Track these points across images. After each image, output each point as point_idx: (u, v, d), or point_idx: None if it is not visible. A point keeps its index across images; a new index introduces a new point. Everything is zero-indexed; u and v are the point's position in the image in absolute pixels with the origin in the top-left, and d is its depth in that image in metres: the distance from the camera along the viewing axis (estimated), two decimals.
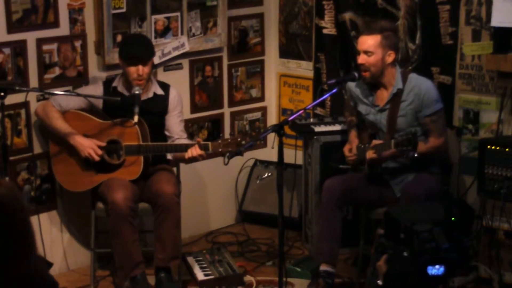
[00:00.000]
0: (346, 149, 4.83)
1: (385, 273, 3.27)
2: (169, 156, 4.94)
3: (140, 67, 4.67)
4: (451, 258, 3.29)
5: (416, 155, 4.32)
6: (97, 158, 4.69)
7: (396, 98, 4.62)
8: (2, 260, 2.48)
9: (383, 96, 4.68)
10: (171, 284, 4.68)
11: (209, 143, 4.55)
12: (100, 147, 4.70)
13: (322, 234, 4.73)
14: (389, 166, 4.68)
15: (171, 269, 4.69)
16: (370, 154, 4.57)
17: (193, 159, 4.61)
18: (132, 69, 4.69)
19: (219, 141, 4.52)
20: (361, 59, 4.59)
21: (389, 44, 4.57)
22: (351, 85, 4.80)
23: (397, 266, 3.27)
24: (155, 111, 4.81)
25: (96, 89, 4.85)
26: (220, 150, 4.51)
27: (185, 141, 4.82)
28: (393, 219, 3.49)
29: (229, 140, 4.50)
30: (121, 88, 4.81)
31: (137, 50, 4.72)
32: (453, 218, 4.28)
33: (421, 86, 4.61)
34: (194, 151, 4.55)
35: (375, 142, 4.60)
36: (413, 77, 4.65)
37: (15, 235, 2.50)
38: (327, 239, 4.68)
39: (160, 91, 4.86)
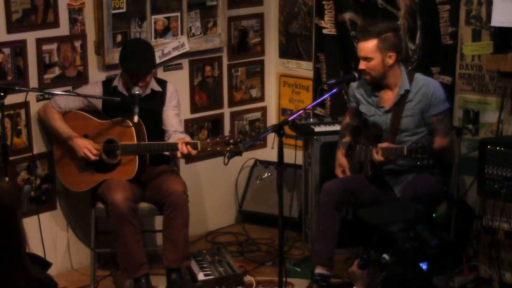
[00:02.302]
0: (339, 172, 4.81)
1: (384, 278, 3.27)
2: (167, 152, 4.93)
3: (140, 83, 4.70)
4: (437, 254, 3.30)
5: (431, 162, 4.29)
6: (92, 158, 4.69)
7: (403, 99, 4.60)
8: None
9: (389, 97, 4.65)
10: (185, 283, 4.68)
11: (198, 142, 4.55)
12: (98, 146, 4.71)
13: (319, 236, 4.73)
14: (389, 167, 4.68)
15: (181, 270, 4.69)
16: (378, 157, 4.48)
17: (186, 156, 4.59)
18: (131, 81, 4.70)
19: (208, 140, 4.52)
20: (361, 65, 4.57)
21: (387, 46, 4.53)
22: (354, 85, 4.78)
23: (397, 270, 3.27)
24: (153, 107, 4.82)
25: (95, 89, 4.85)
26: (209, 149, 4.51)
27: (182, 135, 4.80)
28: (366, 223, 3.49)
29: (217, 139, 4.50)
30: (121, 88, 4.81)
31: (136, 67, 4.70)
32: (434, 215, 4.30)
33: (429, 85, 4.59)
34: (185, 148, 4.53)
35: (381, 145, 4.53)
36: (420, 77, 4.63)
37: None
38: (324, 242, 4.67)
39: (157, 88, 4.87)
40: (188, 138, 4.63)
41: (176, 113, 4.88)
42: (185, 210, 4.67)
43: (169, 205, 4.64)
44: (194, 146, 4.52)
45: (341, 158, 4.84)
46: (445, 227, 4.71)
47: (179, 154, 4.56)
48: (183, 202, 4.65)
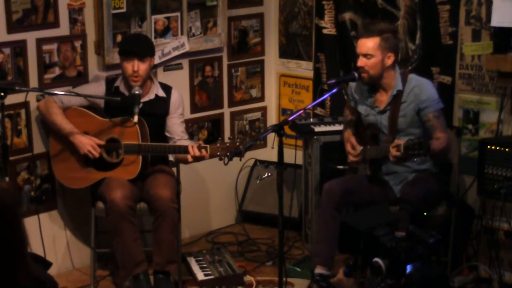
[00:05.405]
0: (348, 147, 4.78)
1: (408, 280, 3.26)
2: (171, 158, 4.94)
3: (136, 62, 4.65)
4: (427, 253, 3.29)
5: (427, 157, 4.28)
6: (96, 155, 4.69)
7: (397, 99, 4.61)
8: None
9: (383, 98, 4.67)
10: (168, 285, 4.68)
11: (208, 146, 4.54)
12: (99, 145, 4.71)
13: (319, 236, 4.74)
14: (389, 166, 4.68)
15: (170, 272, 4.69)
16: (394, 152, 4.35)
17: (196, 159, 4.60)
18: (128, 65, 4.67)
19: (218, 145, 4.52)
20: (360, 62, 4.58)
21: (388, 47, 4.56)
22: (352, 85, 4.80)
23: (424, 271, 3.26)
24: (156, 113, 4.80)
25: (98, 88, 4.85)
26: (218, 153, 4.50)
27: (186, 142, 4.81)
28: (352, 228, 3.47)
29: (227, 144, 4.49)
30: (122, 88, 4.81)
31: (133, 45, 4.74)
32: (425, 213, 4.30)
33: (421, 86, 4.60)
34: (196, 151, 4.54)
35: (399, 141, 4.48)
36: (413, 78, 4.65)
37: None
38: (325, 242, 4.67)
39: (162, 93, 4.85)
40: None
41: (181, 121, 4.89)
42: (172, 216, 4.64)
43: (156, 210, 4.63)
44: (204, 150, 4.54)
45: (347, 135, 4.83)
46: (445, 227, 4.71)
47: (189, 158, 4.56)
48: (169, 209, 4.62)
